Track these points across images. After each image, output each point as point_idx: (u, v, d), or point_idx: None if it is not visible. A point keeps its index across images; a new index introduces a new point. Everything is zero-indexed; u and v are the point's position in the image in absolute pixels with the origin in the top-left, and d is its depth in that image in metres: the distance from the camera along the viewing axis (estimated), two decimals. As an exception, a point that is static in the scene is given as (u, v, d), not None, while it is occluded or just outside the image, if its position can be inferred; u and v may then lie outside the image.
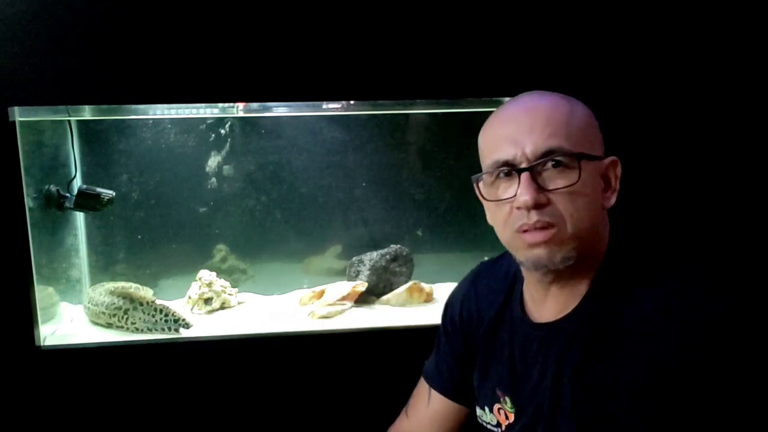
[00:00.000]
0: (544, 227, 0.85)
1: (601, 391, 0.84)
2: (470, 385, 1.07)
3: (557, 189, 0.84)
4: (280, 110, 1.66)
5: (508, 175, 0.87)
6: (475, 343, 1.05)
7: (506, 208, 0.88)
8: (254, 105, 1.55)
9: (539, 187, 0.85)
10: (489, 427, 1.01)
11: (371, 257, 1.77)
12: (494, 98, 1.45)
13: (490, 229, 0.93)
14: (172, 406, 1.41)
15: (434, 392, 1.12)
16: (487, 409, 1.01)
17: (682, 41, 1.45)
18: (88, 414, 1.38)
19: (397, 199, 1.89)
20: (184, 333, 1.48)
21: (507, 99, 1.47)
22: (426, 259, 1.88)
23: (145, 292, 1.74)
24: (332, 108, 1.55)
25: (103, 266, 1.79)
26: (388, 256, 1.77)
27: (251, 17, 1.33)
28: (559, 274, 0.89)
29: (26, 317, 1.34)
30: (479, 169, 0.92)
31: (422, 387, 1.15)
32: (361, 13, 1.36)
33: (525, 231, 0.86)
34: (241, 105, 1.53)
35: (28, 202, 1.35)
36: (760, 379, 0.78)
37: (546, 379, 0.89)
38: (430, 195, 1.89)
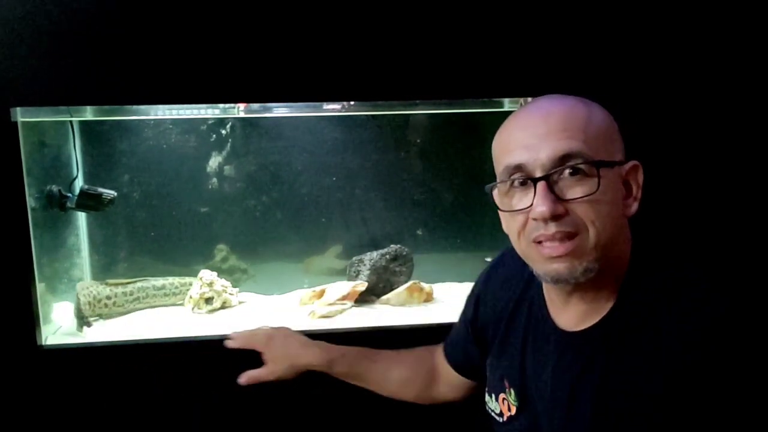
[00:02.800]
0: (564, 238, 0.81)
1: (610, 397, 0.84)
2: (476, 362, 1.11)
3: (576, 199, 0.80)
4: (280, 110, 1.66)
5: (523, 183, 0.83)
6: (492, 332, 1.06)
7: (521, 218, 0.84)
8: (255, 105, 1.55)
9: (556, 197, 0.80)
10: (493, 414, 1.02)
11: (371, 257, 1.77)
12: (494, 98, 1.45)
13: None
14: (172, 405, 1.41)
15: (447, 363, 1.18)
16: (493, 396, 1.01)
17: (688, 42, 1.46)
18: (90, 413, 1.38)
19: (397, 199, 1.89)
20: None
21: (507, 99, 1.48)
22: (426, 259, 1.88)
23: None
24: (332, 108, 1.56)
25: (105, 266, 1.80)
26: (388, 256, 1.77)
27: (251, 17, 1.33)
28: (578, 285, 0.85)
29: (28, 317, 1.35)
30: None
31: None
32: (361, 13, 1.36)
33: (541, 242, 0.82)
34: (241, 105, 1.53)
35: (30, 203, 1.35)
36: (760, 379, 0.78)
37: (561, 388, 0.89)
38: (430, 195, 1.89)
